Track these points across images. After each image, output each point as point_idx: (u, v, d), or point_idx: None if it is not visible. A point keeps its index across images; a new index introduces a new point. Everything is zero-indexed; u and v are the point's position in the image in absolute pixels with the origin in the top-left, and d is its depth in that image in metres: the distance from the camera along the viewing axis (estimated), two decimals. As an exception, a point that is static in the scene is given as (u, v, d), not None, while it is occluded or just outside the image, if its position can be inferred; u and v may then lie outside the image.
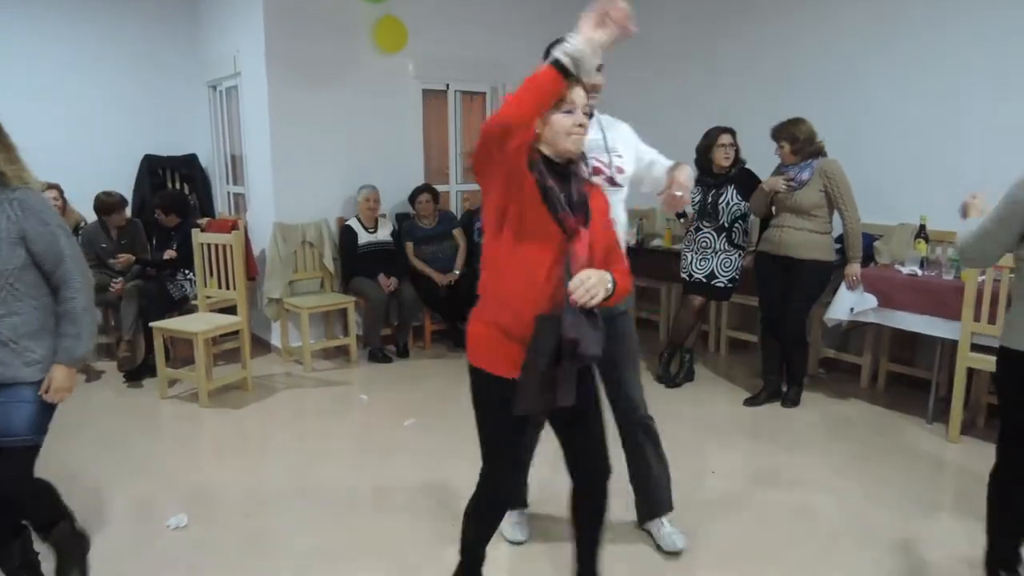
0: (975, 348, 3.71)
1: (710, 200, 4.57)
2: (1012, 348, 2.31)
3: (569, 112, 1.92)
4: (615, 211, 2.43)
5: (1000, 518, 2.46)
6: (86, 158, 5.85)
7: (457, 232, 5.76)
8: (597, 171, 2.55)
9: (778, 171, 4.30)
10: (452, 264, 5.65)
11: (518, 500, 2.93)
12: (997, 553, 2.48)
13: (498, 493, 2.26)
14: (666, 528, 2.86)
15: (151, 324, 4.61)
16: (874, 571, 2.72)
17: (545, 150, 1.97)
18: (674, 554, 2.79)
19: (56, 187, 5.16)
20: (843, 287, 4.19)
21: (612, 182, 2.59)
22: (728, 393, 4.68)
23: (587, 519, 2.28)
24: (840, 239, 4.24)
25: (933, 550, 2.85)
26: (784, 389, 4.46)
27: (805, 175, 4.13)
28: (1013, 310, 2.38)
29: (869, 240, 4.52)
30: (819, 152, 4.18)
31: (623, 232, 2.61)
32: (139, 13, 6.12)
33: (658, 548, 2.84)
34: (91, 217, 5.33)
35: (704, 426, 4.16)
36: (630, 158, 2.66)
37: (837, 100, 4.97)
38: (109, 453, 3.79)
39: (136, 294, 4.93)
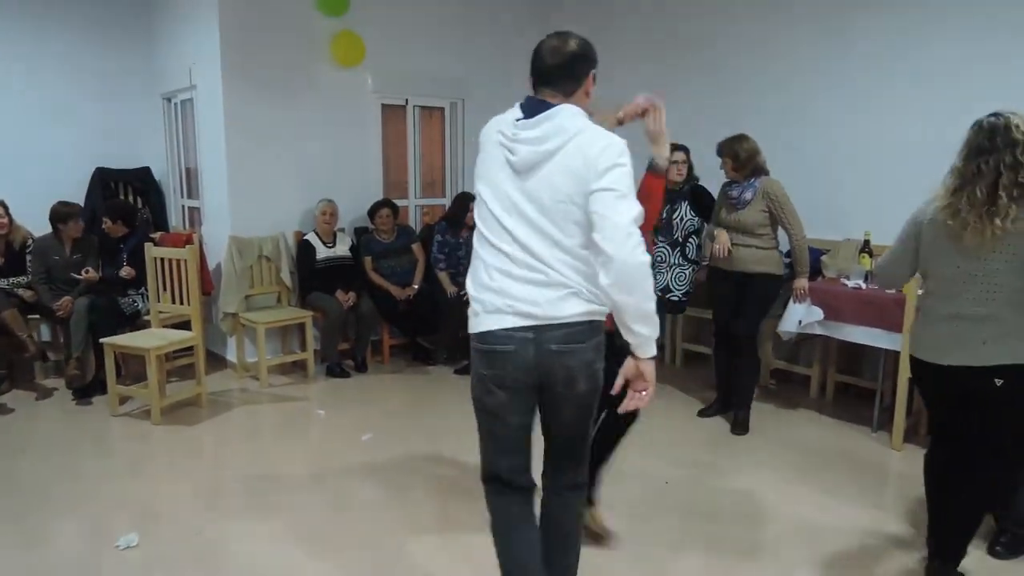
0: (916, 359, 3.85)
1: (664, 215, 4.66)
2: (917, 358, 2.56)
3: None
4: None
5: (936, 505, 2.65)
6: (34, 172, 5.72)
7: (416, 247, 5.77)
8: None
9: (723, 190, 4.40)
10: (411, 278, 5.66)
11: None
12: (936, 542, 2.65)
13: None
14: None
15: (101, 340, 4.52)
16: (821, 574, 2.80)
17: None
18: None
19: (1, 203, 5.03)
20: (792, 301, 4.31)
21: None
22: (683, 404, 4.76)
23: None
24: (788, 254, 4.37)
25: (878, 555, 2.95)
26: (734, 415, 4.44)
27: (748, 195, 4.24)
28: (917, 323, 2.61)
29: (817, 255, 4.65)
30: (761, 169, 4.29)
31: None
32: (92, 23, 6.02)
33: None
34: (39, 233, 5.21)
35: (658, 437, 4.22)
36: None
37: (786, 121, 5.12)
38: (57, 473, 3.70)
39: (86, 309, 4.82)
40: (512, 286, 2.04)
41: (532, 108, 2.06)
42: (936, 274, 2.49)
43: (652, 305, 1.95)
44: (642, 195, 2.12)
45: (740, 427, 4.35)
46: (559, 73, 2.09)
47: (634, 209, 1.95)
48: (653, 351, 2.01)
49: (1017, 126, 2.30)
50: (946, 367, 2.45)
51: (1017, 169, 2.27)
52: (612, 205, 1.92)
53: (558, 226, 2.01)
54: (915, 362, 2.60)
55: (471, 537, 3.06)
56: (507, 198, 2.06)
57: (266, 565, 2.87)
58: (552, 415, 2.17)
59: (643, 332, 1.97)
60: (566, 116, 2.04)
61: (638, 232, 1.93)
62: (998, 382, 2.36)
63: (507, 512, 2.25)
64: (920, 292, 2.60)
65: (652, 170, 2.46)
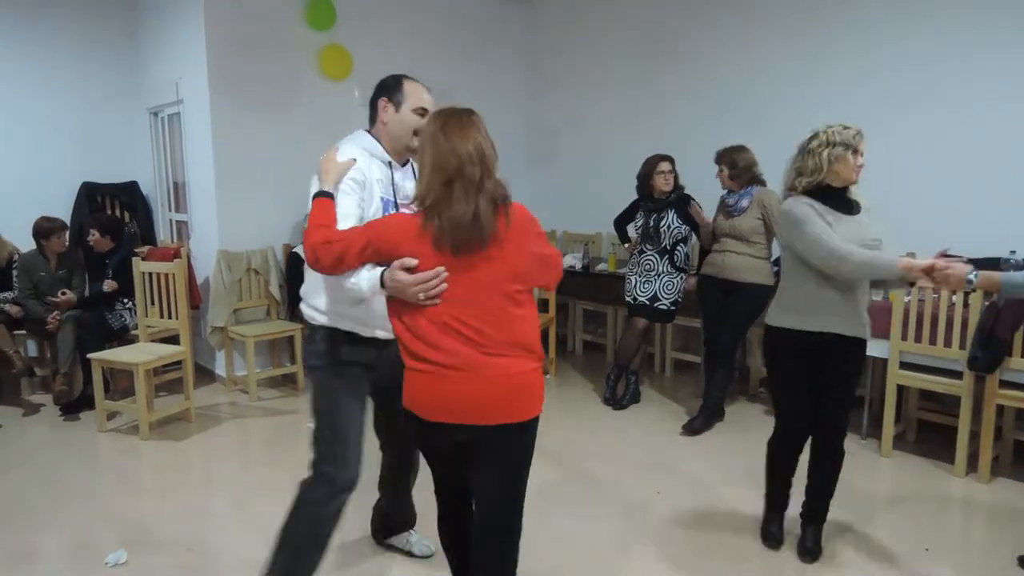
0: (904, 366, 3.89)
1: (652, 224, 4.70)
2: (771, 325, 2.88)
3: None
4: None
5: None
6: (20, 186, 5.71)
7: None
8: None
9: (722, 198, 4.45)
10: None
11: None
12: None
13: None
14: (414, 536, 3.00)
15: (89, 355, 4.49)
16: (812, 584, 2.81)
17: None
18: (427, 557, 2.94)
19: (-16, 219, 5.01)
20: None
21: None
22: (673, 413, 4.77)
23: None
24: (777, 263, 4.41)
25: (868, 561, 2.96)
26: (691, 419, 4.49)
27: (744, 202, 4.29)
28: (779, 293, 2.91)
29: (804, 263, 4.68)
30: (757, 179, 4.34)
31: None
32: (78, 37, 6.02)
33: (409, 555, 2.97)
34: (25, 247, 5.19)
35: (649, 446, 4.23)
36: None
37: (770, 129, 5.13)
38: (45, 489, 3.67)
39: (73, 324, 4.80)
40: None
41: None
42: None
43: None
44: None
45: (690, 429, 4.38)
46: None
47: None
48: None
49: (820, 130, 2.79)
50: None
51: (797, 163, 2.85)
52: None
53: None
54: (770, 330, 2.95)
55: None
56: None
57: (257, 580, 2.84)
58: None
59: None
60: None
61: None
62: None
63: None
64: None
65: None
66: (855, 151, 2.75)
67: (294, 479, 3.79)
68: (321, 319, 2.38)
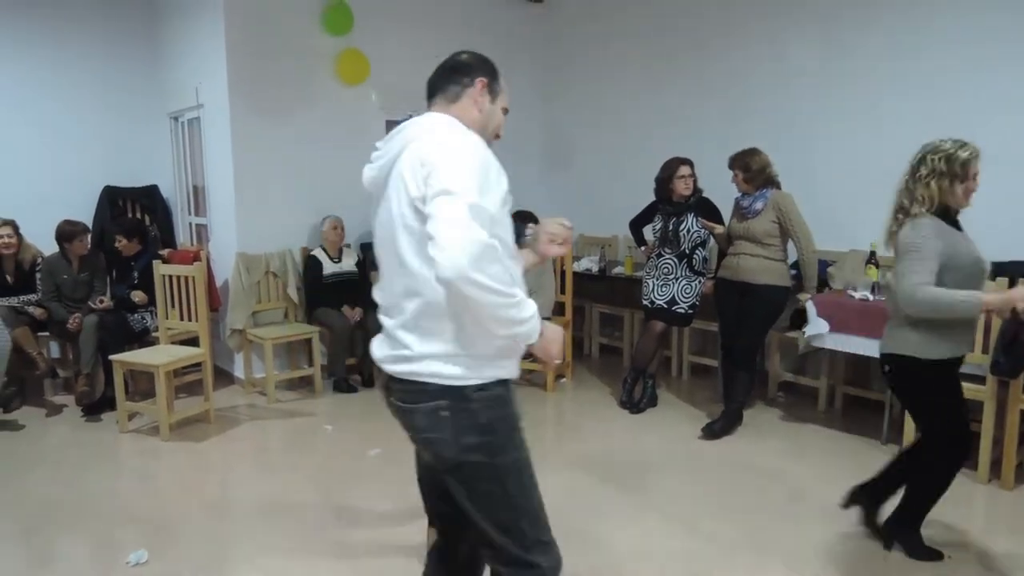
0: (924, 370, 3.84)
1: (671, 228, 4.68)
2: (892, 353, 2.78)
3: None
4: None
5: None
6: (43, 190, 5.78)
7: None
8: None
9: (736, 201, 4.44)
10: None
11: None
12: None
13: None
14: None
15: (111, 357, 4.55)
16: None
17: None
18: None
19: (10, 223, 5.08)
20: (812, 312, 4.28)
21: None
22: (690, 417, 4.75)
23: None
24: (795, 265, 4.38)
25: (887, 567, 2.93)
26: (710, 423, 4.47)
27: (758, 205, 4.26)
28: (890, 323, 2.85)
29: (823, 266, 4.66)
30: (772, 181, 4.31)
31: None
32: (99, 43, 6.09)
33: None
34: (48, 250, 5.26)
35: (667, 450, 4.22)
36: None
37: (790, 133, 5.14)
38: (67, 489, 3.71)
39: (95, 327, 4.86)
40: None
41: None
42: None
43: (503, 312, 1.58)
44: None
45: (710, 432, 4.36)
46: (439, 81, 1.85)
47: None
48: (530, 337, 1.66)
49: (926, 151, 2.68)
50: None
51: (910, 188, 2.70)
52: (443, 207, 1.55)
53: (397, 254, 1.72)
54: (891, 359, 2.83)
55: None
56: (376, 232, 1.83)
57: (275, 581, 2.86)
58: None
59: (503, 332, 1.64)
60: (416, 122, 1.74)
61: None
62: (886, 368, 2.78)
63: None
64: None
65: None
66: (964, 178, 2.64)
67: (312, 480, 3.83)
68: (484, 368, 1.72)
